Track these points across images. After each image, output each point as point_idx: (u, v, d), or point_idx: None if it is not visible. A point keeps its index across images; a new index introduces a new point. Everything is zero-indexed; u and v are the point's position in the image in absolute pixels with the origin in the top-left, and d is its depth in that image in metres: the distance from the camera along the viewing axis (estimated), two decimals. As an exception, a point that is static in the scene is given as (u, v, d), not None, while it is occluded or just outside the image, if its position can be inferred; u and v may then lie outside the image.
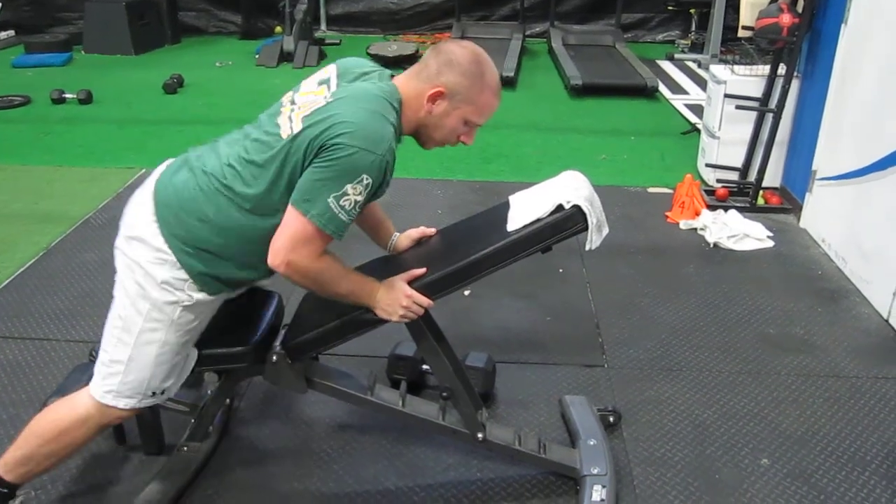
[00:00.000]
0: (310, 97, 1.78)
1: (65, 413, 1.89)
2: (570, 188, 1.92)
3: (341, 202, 1.66)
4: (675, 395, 2.63)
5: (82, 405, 1.87)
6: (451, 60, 1.78)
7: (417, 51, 7.43)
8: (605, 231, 1.94)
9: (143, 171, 4.60)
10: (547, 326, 3.04)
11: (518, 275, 3.27)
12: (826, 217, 3.73)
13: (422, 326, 1.96)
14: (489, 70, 1.82)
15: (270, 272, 1.83)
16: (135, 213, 1.84)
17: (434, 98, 1.79)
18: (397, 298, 1.85)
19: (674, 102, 6.28)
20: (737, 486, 2.23)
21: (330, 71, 1.85)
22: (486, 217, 2.04)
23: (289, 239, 1.70)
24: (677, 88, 6.71)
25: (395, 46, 7.51)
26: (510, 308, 3.15)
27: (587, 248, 1.91)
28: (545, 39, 8.41)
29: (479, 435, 2.11)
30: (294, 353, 1.99)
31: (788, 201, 4.14)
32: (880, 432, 2.46)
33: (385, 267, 2.04)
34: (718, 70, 4.28)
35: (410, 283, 1.87)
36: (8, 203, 4.17)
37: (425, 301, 1.88)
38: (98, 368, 1.87)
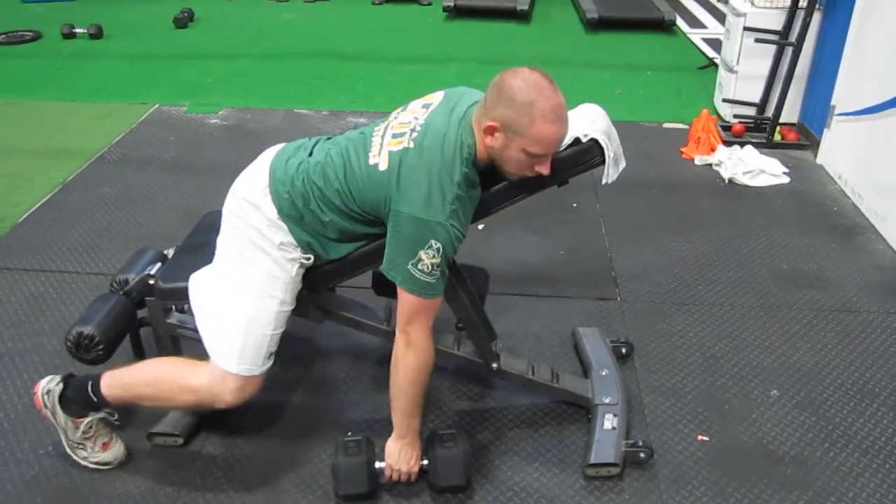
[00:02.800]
0: (407, 122, 1.84)
1: (182, 373, 1.98)
2: (588, 121, 1.90)
3: (419, 267, 1.76)
4: (687, 327, 2.65)
5: (198, 376, 1.94)
6: (503, 93, 1.72)
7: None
8: (622, 165, 1.94)
9: (156, 105, 4.60)
10: (560, 260, 3.07)
11: (532, 209, 3.28)
12: (843, 153, 3.69)
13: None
14: (542, 98, 1.70)
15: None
16: (250, 181, 1.95)
17: (489, 132, 1.75)
18: (409, 460, 1.96)
19: (691, 36, 6.16)
20: (746, 415, 2.28)
21: (436, 97, 1.90)
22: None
23: (403, 313, 1.83)
24: (695, 22, 6.58)
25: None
26: (524, 242, 3.17)
27: (603, 182, 1.91)
28: (561, -28, 8.21)
29: (494, 365, 2.16)
30: (312, 285, 2.01)
31: (806, 137, 4.10)
32: (890, 365, 2.49)
33: None
34: (738, 2, 4.19)
35: None
36: (23, 139, 4.19)
37: (411, 477, 1.99)
38: (213, 338, 1.92)
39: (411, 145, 1.77)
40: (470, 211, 1.82)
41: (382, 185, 1.78)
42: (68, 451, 2.04)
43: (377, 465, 1.96)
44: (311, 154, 1.92)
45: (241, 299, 1.90)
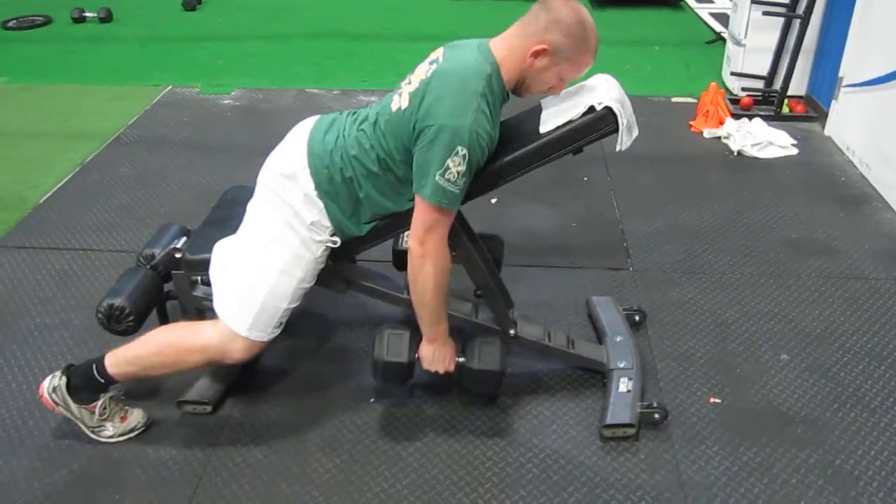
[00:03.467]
0: (419, 73, 1.92)
1: (188, 336, 2.05)
2: (601, 90, 1.95)
3: (446, 176, 1.81)
4: (698, 295, 2.71)
5: (205, 335, 2.02)
6: (558, 20, 1.83)
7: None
8: (635, 133, 1.98)
9: (169, 87, 4.65)
10: (573, 232, 3.12)
11: (544, 183, 3.35)
12: (851, 124, 3.73)
13: (457, 227, 2.03)
14: (592, 33, 1.87)
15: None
16: (288, 155, 2.00)
17: (537, 54, 1.86)
18: (444, 360, 2.07)
19: (699, 11, 6.16)
20: (756, 378, 2.34)
21: (438, 52, 1.98)
22: (519, 119, 2.08)
23: (420, 224, 1.87)
24: (702, -3, 6.58)
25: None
26: (537, 215, 3.22)
27: (617, 148, 1.95)
28: (566, -51, 8.19)
29: (511, 331, 2.21)
30: (335, 255, 2.07)
31: (814, 109, 4.12)
32: (898, 330, 2.55)
33: None
34: (746, -25, 4.21)
35: None
36: (39, 122, 4.25)
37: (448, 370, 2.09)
38: (229, 301, 1.99)
39: (430, 76, 1.86)
40: (494, 125, 1.88)
41: (409, 117, 1.85)
42: (92, 436, 2.10)
43: (415, 356, 2.06)
44: (344, 129, 1.99)
45: (265, 271, 1.96)
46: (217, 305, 2.01)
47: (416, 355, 2.06)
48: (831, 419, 2.19)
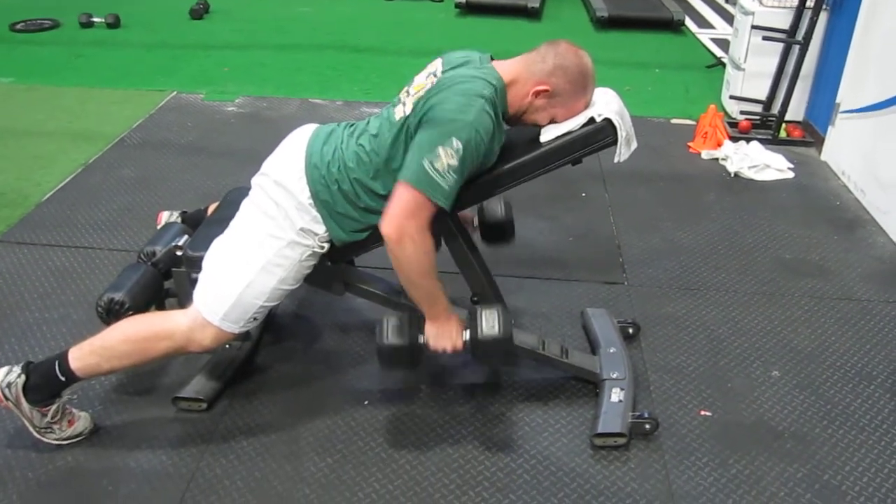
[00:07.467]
0: (419, 84, 1.96)
1: (155, 322, 2.05)
2: (601, 103, 2.00)
3: (435, 165, 1.81)
4: (692, 311, 2.74)
5: (174, 321, 2.01)
6: (565, 66, 1.95)
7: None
8: (634, 145, 2.03)
9: (174, 93, 4.69)
10: (570, 246, 3.15)
11: (542, 198, 3.39)
12: (847, 150, 3.78)
13: (454, 232, 2.07)
14: (591, 84, 2.00)
15: None
16: (285, 163, 2.03)
17: (538, 93, 1.96)
18: (451, 336, 2.01)
19: (700, 36, 6.25)
20: (748, 393, 2.36)
21: (436, 63, 2.01)
22: (519, 130, 2.12)
23: (398, 207, 1.84)
24: (704, 22, 6.66)
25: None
26: (534, 228, 3.25)
27: (615, 160, 1.99)
28: (571, -28, 8.30)
29: (506, 339, 2.24)
30: (333, 256, 2.10)
31: (811, 134, 4.18)
32: (887, 351, 2.57)
33: None
34: (746, 1, 4.27)
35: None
36: (44, 122, 4.28)
37: (457, 346, 2.02)
38: (206, 289, 1.99)
39: (434, 85, 1.89)
40: (498, 132, 1.91)
41: (411, 120, 1.88)
42: (37, 436, 2.05)
43: (420, 339, 2.01)
44: (342, 141, 2.02)
45: (247, 265, 1.97)
46: (195, 292, 2.01)
47: (423, 337, 2.01)
48: (820, 435, 2.21)
